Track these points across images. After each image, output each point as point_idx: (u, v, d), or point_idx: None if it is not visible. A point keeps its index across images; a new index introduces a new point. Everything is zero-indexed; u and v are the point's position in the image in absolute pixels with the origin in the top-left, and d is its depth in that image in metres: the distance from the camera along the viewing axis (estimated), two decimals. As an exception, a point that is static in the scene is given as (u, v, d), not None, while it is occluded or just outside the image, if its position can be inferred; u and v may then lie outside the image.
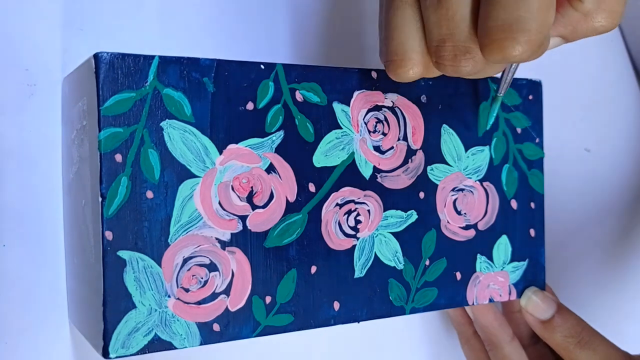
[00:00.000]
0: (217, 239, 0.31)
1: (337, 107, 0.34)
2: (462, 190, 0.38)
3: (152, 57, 0.30)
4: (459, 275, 0.38)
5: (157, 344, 0.30)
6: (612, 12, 0.29)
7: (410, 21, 0.29)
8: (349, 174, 0.34)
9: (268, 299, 0.32)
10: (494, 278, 0.39)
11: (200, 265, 0.31)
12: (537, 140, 0.41)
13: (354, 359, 0.44)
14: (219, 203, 0.31)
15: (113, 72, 0.29)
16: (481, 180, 0.38)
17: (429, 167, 0.37)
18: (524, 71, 0.39)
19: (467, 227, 0.38)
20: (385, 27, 0.30)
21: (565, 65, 0.51)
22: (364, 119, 0.35)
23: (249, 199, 0.32)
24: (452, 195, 0.38)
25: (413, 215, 0.36)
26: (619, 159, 0.55)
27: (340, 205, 0.34)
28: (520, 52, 0.26)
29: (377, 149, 0.35)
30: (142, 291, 0.29)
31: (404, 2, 0.29)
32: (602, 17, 0.29)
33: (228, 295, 0.31)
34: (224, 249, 0.31)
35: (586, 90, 0.52)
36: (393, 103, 0.36)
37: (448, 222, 0.37)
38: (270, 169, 0.32)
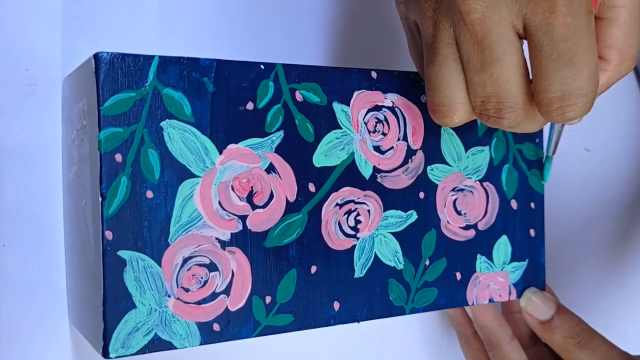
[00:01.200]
0: (217, 238, 0.31)
1: (337, 107, 0.34)
2: (462, 190, 0.38)
3: (152, 57, 0.30)
4: (459, 276, 0.38)
5: (157, 344, 0.30)
6: (632, 57, 0.33)
7: (455, 76, 0.31)
8: (349, 174, 0.34)
9: (268, 299, 0.32)
10: (493, 278, 0.39)
11: (200, 265, 0.31)
12: (537, 140, 0.41)
13: (354, 359, 0.44)
14: (219, 203, 0.31)
15: (113, 72, 0.29)
16: (481, 181, 0.38)
17: (429, 167, 0.37)
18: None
19: (467, 227, 0.38)
20: (431, 80, 0.32)
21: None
22: (364, 119, 0.35)
23: (249, 198, 0.32)
24: (452, 195, 0.38)
25: (413, 215, 0.36)
26: (619, 159, 0.55)
27: (340, 205, 0.34)
28: (580, 113, 0.30)
29: (377, 149, 0.35)
30: (142, 291, 0.29)
31: (449, 58, 0.31)
32: (626, 66, 0.33)
33: (228, 295, 0.31)
34: (224, 249, 0.31)
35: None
36: (393, 103, 0.36)
37: (448, 222, 0.37)
38: (270, 168, 0.32)
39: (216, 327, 0.31)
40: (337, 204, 0.34)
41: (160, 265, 0.30)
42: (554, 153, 0.40)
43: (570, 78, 0.29)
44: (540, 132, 0.41)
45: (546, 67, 0.29)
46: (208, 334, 0.31)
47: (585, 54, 0.29)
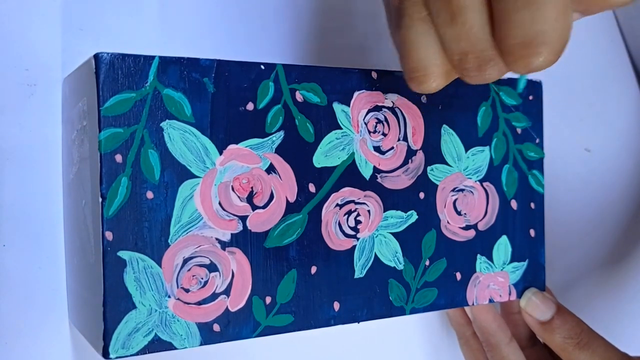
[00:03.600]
0: (217, 239, 0.31)
1: (337, 107, 0.34)
2: (462, 190, 0.38)
3: (152, 57, 0.30)
4: (459, 276, 0.38)
5: (157, 344, 0.30)
6: None
7: (425, 36, 0.29)
8: (349, 175, 0.34)
9: (268, 299, 0.32)
10: (494, 278, 0.39)
11: (201, 266, 0.31)
12: (537, 140, 0.41)
13: (354, 359, 0.44)
14: (219, 203, 0.31)
15: (113, 73, 0.29)
16: (481, 181, 0.38)
17: (429, 168, 0.37)
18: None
19: (467, 228, 0.38)
20: (402, 45, 0.30)
21: (565, 65, 0.51)
22: (364, 119, 0.35)
23: (249, 199, 0.32)
24: (452, 195, 0.38)
25: (413, 216, 0.36)
26: (620, 159, 0.55)
27: (341, 206, 0.34)
28: (545, 62, 0.27)
29: (377, 149, 0.35)
30: (142, 291, 0.29)
31: (415, 18, 0.29)
32: None
33: (228, 295, 0.31)
34: (224, 249, 0.31)
35: (586, 90, 0.52)
36: (393, 103, 0.36)
37: (448, 222, 0.37)
38: (271, 169, 0.32)
39: (216, 327, 0.31)
40: (337, 205, 0.34)
41: (160, 265, 0.30)
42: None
43: (531, 20, 0.26)
44: (541, 132, 0.41)
45: (505, 8, 0.26)
46: (208, 335, 0.31)
47: None
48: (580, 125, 0.53)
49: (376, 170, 0.35)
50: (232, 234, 0.31)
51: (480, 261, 0.38)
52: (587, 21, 0.50)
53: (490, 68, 0.28)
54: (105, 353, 0.29)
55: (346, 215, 0.34)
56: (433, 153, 0.37)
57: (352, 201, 0.34)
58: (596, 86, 0.53)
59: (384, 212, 0.35)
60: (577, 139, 0.53)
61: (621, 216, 0.56)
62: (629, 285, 0.56)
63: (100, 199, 0.29)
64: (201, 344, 0.31)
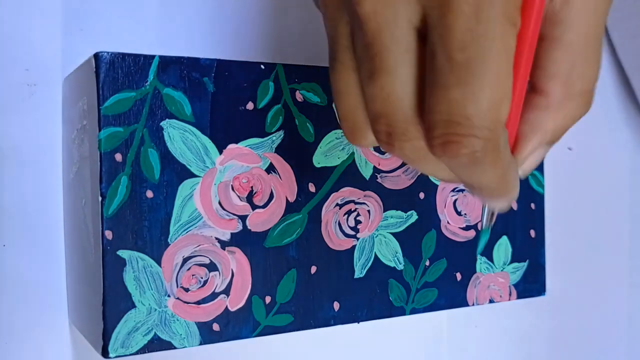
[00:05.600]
0: (217, 238, 0.31)
1: (337, 107, 0.34)
2: (462, 190, 0.38)
3: (152, 56, 0.30)
4: (459, 276, 0.38)
5: (157, 344, 0.30)
6: (584, 94, 0.25)
7: (353, 88, 0.25)
8: (349, 174, 0.34)
9: (268, 299, 0.32)
10: (494, 279, 0.39)
11: (200, 265, 0.31)
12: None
13: (353, 359, 0.44)
14: (219, 203, 0.31)
15: (113, 72, 0.29)
16: (481, 181, 0.38)
17: (429, 168, 0.37)
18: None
19: (467, 228, 0.38)
20: (333, 91, 0.26)
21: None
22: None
23: (249, 198, 0.32)
24: (452, 195, 0.38)
25: (413, 216, 0.36)
26: (621, 159, 0.55)
27: (340, 206, 0.34)
28: (468, 154, 0.22)
29: (377, 149, 0.35)
30: (141, 291, 0.29)
31: (346, 66, 0.25)
32: (576, 105, 0.26)
33: (228, 295, 0.31)
34: (224, 249, 0.31)
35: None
36: (393, 103, 0.36)
37: (448, 222, 0.37)
38: (270, 168, 0.32)
39: (216, 327, 0.31)
40: (337, 204, 0.34)
41: (160, 265, 0.30)
42: (488, 226, 0.29)
43: (461, 100, 0.21)
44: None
45: (436, 81, 0.22)
46: (208, 334, 0.31)
47: (491, 74, 0.21)
48: (580, 125, 0.53)
49: (376, 170, 0.35)
50: (231, 234, 0.31)
51: (481, 261, 0.38)
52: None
53: (400, 143, 0.24)
54: (105, 352, 0.29)
55: (346, 215, 0.34)
56: (433, 153, 0.37)
57: (352, 201, 0.34)
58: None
59: (384, 212, 0.35)
60: (578, 139, 0.53)
61: (623, 215, 0.55)
62: (630, 285, 0.56)
63: (100, 198, 0.29)
64: (201, 344, 0.31)
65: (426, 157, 0.24)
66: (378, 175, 0.35)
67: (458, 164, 0.23)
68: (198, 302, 0.31)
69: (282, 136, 0.33)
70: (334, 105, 0.33)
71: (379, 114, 0.23)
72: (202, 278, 0.31)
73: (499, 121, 0.22)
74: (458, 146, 0.22)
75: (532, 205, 0.40)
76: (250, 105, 0.32)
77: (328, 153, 0.34)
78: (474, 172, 0.23)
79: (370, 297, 0.35)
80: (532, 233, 0.40)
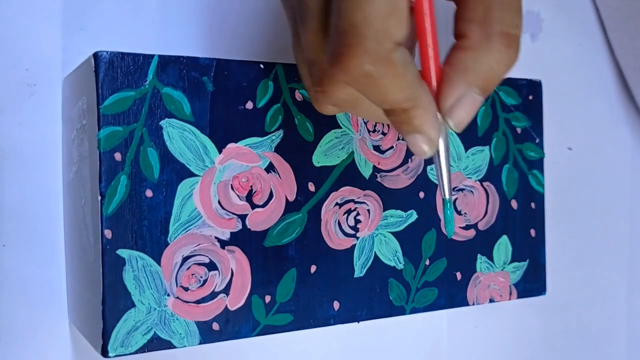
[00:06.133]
0: (216, 238, 0.31)
1: (337, 106, 0.34)
2: (462, 190, 0.38)
3: (152, 56, 0.30)
4: (459, 276, 0.38)
5: (156, 343, 0.30)
6: (505, 35, 0.25)
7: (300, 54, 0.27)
8: (349, 174, 0.34)
9: (267, 299, 0.32)
10: (494, 278, 0.39)
11: (200, 264, 0.31)
12: (537, 140, 0.41)
13: (354, 359, 0.44)
14: (219, 202, 0.31)
15: (112, 71, 0.29)
16: (481, 180, 0.38)
17: (428, 167, 0.37)
18: (519, 71, 0.38)
19: (467, 227, 0.38)
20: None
21: (547, 64, 0.51)
22: (363, 119, 0.35)
23: (249, 198, 0.32)
24: (452, 195, 0.37)
25: (413, 215, 0.36)
26: (621, 159, 0.55)
27: (340, 205, 0.34)
28: (359, 64, 0.22)
29: (376, 148, 0.35)
30: (141, 290, 0.29)
31: (296, 38, 0.27)
32: (499, 44, 0.25)
33: (227, 294, 0.31)
34: (224, 248, 0.31)
35: (567, 88, 0.52)
36: (393, 103, 0.36)
37: (448, 222, 0.37)
38: (270, 168, 0.32)
39: (215, 326, 0.31)
40: (336, 204, 0.34)
41: (159, 264, 0.30)
42: (448, 196, 0.28)
43: (350, 9, 0.22)
44: (541, 132, 0.41)
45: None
46: (207, 333, 0.31)
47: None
48: (581, 125, 0.53)
49: (376, 170, 0.35)
50: (231, 233, 0.31)
51: (481, 261, 0.38)
52: (568, 18, 0.50)
53: (332, 84, 0.25)
54: (104, 352, 0.29)
55: (346, 215, 0.34)
56: (433, 152, 0.37)
57: (352, 200, 0.34)
58: (578, 84, 0.52)
59: (384, 211, 0.35)
60: (577, 139, 0.53)
61: (623, 215, 0.55)
62: (630, 285, 0.56)
63: (100, 198, 0.29)
64: (200, 343, 0.31)
65: (357, 99, 0.25)
66: (378, 175, 0.35)
67: (355, 81, 0.23)
68: (198, 302, 0.31)
69: (281, 135, 0.33)
70: None
71: (309, 61, 0.24)
72: (201, 277, 0.31)
73: (387, 33, 0.22)
74: (347, 57, 0.22)
75: (532, 205, 0.40)
76: (249, 105, 0.32)
77: (328, 152, 0.34)
78: (374, 90, 0.23)
79: (370, 297, 0.35)
80: (532, 232, 0.40)
